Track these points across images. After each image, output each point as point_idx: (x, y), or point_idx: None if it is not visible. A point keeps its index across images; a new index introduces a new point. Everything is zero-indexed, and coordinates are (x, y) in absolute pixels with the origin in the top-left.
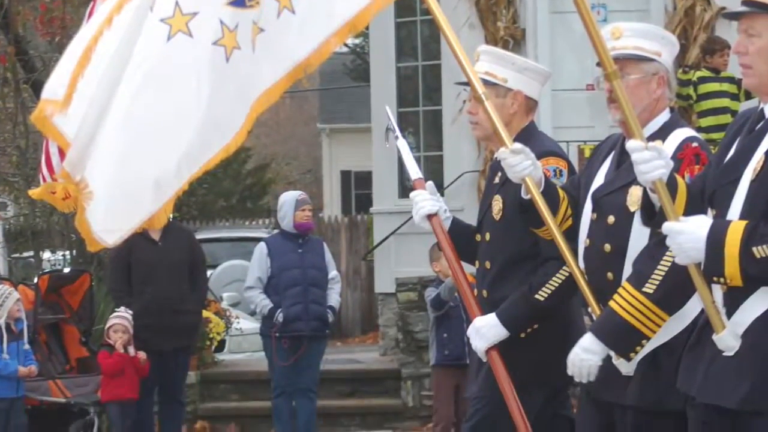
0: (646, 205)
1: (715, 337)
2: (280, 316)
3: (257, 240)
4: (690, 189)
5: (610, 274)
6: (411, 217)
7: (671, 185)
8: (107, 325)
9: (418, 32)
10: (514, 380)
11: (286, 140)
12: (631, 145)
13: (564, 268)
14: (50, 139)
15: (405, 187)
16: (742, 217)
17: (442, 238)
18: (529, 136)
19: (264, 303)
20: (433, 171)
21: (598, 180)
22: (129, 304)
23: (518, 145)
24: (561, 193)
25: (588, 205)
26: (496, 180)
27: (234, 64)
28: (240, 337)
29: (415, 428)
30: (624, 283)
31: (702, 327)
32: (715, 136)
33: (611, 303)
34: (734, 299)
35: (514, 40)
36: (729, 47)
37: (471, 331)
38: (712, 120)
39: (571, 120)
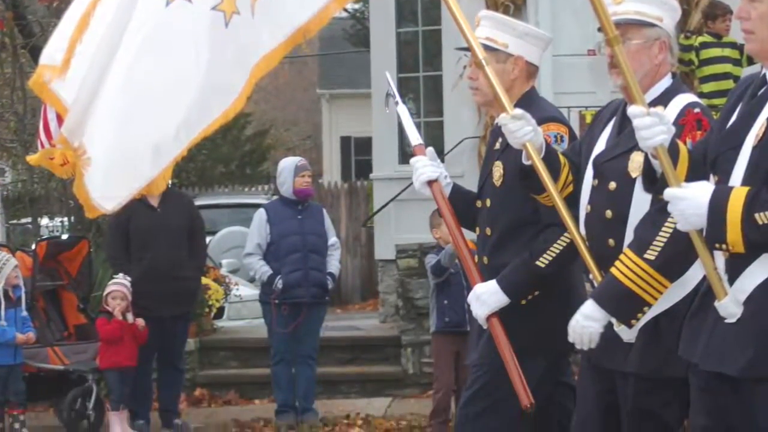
0: (648, 171)
1: (717, 304)
2: (279, 283)
3: (256, 206)
4: (692, 155)
5: (611, 241)
6: (411, 184)
7: (673, 151)
8: (105, 292)
9: None
10: (514, 347)
11: (286, 106)
12: (632, 110)
13: (565, 234)
14: (48, 105)
15: (405, 153)
16: (743, 183)
17: (442, 205)
18: (529, 101)
19: (263, 270)
20: (434, 137)
21: (600, 146)
22: (128, 271)
23: (519, 111)
24: (562, 159)
25: (589, 171)
26: (497, 146)
27: (233, 30)
28: (239, 303)
29: (415, 395)
30: (625, 249)
31: (704, 294)
32: (717, 101)
33: (612, 270)
34: (736, 266)
35: (514, 6)
36: (731, 12)
37: (471, 298)
38: (713, 86)
39: (572, 86)
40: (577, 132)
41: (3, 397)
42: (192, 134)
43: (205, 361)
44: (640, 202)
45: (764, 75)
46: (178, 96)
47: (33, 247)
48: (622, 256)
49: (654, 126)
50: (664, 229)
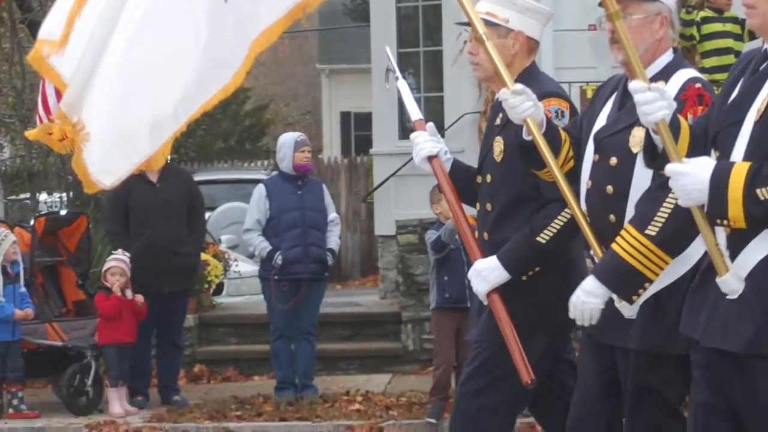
0: (649, 146)
1: (718, 280)
2: (279, 259)
3: (256, 182)
4: (693, 130)
5: (612, 216)
6: (411, 159)
7: (674, 126)
8: (104, 268)
9: None
10: (515, 323)
11: (285, 81)
12: (633, 85)
13: (566, 210)
14: (47, 80)
15: (405, 129)
16: (745, 158)
17: (442, 180)
18: (530, 77)
19: (263, 245)
20: (434, 112)
21: (601, 121)
22: (126, 247)
23: (519, 86)
24: (563, 134)
25: (590, 147)
26: (498, 121)
27: (233, 4)
28: (238, 279)
29: (415, 372)
30: (626, 225)
31: (705, 270)
32: (718, 76)
33: (613, 245)
34: (737, 241)
35: None
36: None
37: (472, 274)
38: (715, 61)
39: (573, 61)
40: (578, 107)
41: (1, 374)
42: (191, 110)
43: (204, 337)
44: (641, 177)
45: (765, 50)
46: (177, 71)
47: (31, 222)
48: (623, 232)
49: (655, 101)
50: (665, 204)
